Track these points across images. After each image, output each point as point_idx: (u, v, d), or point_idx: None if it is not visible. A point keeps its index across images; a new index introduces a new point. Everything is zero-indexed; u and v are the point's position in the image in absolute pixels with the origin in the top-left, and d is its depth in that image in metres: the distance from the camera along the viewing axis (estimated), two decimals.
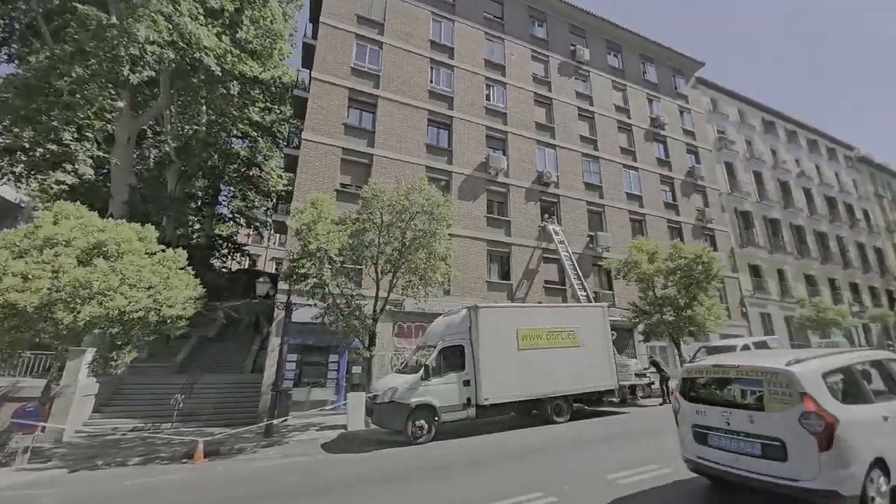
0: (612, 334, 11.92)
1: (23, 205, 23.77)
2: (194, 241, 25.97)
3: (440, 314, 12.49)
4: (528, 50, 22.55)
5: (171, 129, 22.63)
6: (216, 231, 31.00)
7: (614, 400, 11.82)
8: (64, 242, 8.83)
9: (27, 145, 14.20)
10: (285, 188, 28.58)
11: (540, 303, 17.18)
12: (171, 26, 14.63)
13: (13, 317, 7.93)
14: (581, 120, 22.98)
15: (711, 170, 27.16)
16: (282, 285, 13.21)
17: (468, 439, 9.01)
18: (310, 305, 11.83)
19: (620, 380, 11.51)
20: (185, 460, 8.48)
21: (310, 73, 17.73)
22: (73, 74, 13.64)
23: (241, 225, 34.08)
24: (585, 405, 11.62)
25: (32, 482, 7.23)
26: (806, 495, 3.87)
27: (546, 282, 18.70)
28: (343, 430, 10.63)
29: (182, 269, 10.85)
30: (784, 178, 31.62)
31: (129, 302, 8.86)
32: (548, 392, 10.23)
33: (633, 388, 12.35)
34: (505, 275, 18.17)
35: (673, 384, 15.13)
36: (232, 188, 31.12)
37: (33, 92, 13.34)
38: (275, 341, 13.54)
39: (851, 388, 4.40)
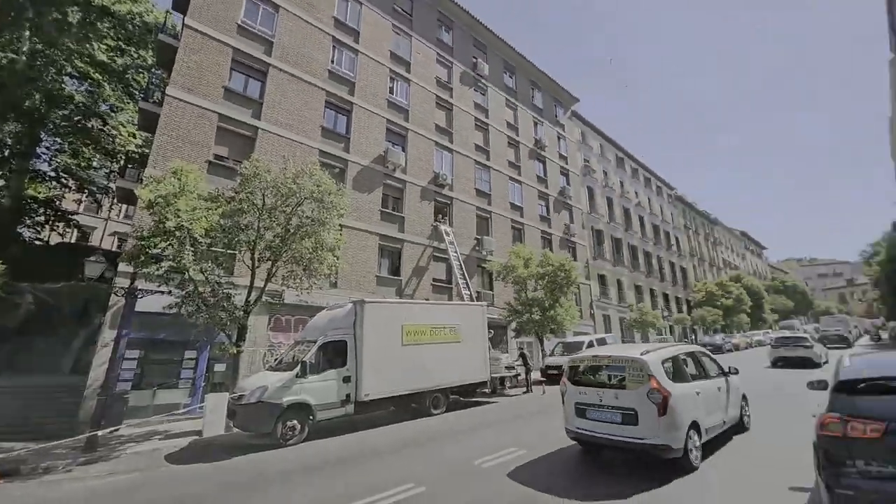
0: (490, 331, 13.00)
1: None
2: None
3: (324, 308, 11.90)
4: (433, 52, 23.02)
5: None
6: (29, 191, 23.96)
7: (486, 391, 12.90)
8: None
9: None
10: (138, 150, 23.61)
11: (427, 300, 17.72)
12: None
13: None
14: (477, 130, 24.44)
15: (578, 191, 31.70)
16: (124, 267, 10.92)
17: (345, 437, 8.79)
18: (162, 293, 10.03)
19: (493, 372, 12.63)
20: None
21: (183, 20, 15.02)
22: None
23: (70, 188, 26.89)
24: (461, 397, 12.40)
25: None
26: (651, 450, 5.23)
27: (434, 280, 19.38)
28: (197, 437, 9.31)
29: None
30: (627, 206, 38.69)
31: None
32: (429, 386, 10.63)
33: (502, 380, 13.65)
34: (395, 270, 18.24)
35: (534, 375, 17.29)
36: (59, 140, 24.36)
37: None
38: (109, 335, 11.13)
39: (678, 371, 5.96)
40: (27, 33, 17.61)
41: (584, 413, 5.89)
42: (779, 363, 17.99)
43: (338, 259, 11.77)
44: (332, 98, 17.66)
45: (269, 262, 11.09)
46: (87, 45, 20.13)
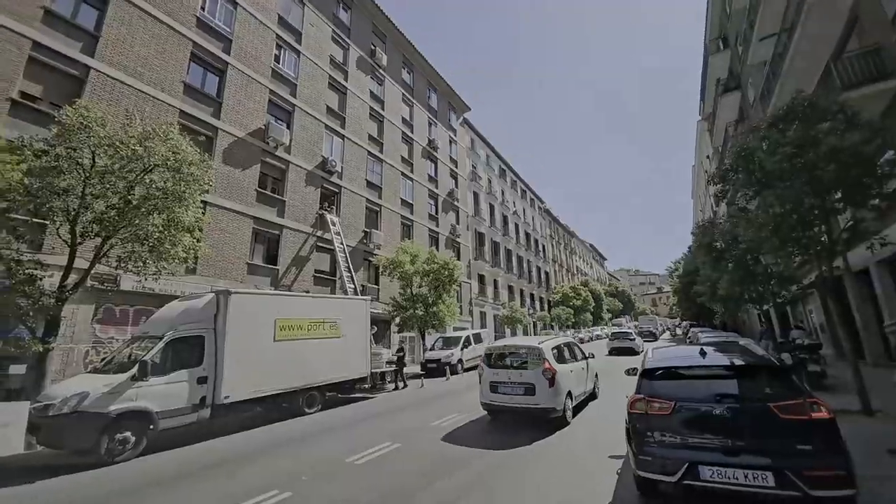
0: (374, 327, 12.79)
1: None
2: None
3: (177, 297, 10.09)
4: (329, 28, 21.60)
5: None
6: None
7: (366, 386, 12.66)
8: None
9: None
10: None
11: (307, 292, 16.54)
12: None
13: None
14: (371, 120, 23.82)
15: (465, 195, 33.57)
16: None
17: (194, 446, 7.58)
18: None
19: (373, 368, 12.45)
20: None
21: None
22: None
23: None
24: (339, 393, 11.92)
25: None
26: (542, 413, 7.34)
27: (317, 271, 18.21)
28: None
29: None
30: (506, 213, 42.56)
31: None
32: (302, 384, 9.90)
33: (383, 375, 13.56)
34: (272, 259, 16.55)
35: (414, 369, 17.67)
36: None
37: None
38: None
39: (560, 355, 8.10)
40: None
41: (496, 389, 7.78)
42: (613, 351, 22.56)
43: (198, 241, 10.09)
44: (199, 51, 15.05)
45: (99, 239, 8.89)
46: None
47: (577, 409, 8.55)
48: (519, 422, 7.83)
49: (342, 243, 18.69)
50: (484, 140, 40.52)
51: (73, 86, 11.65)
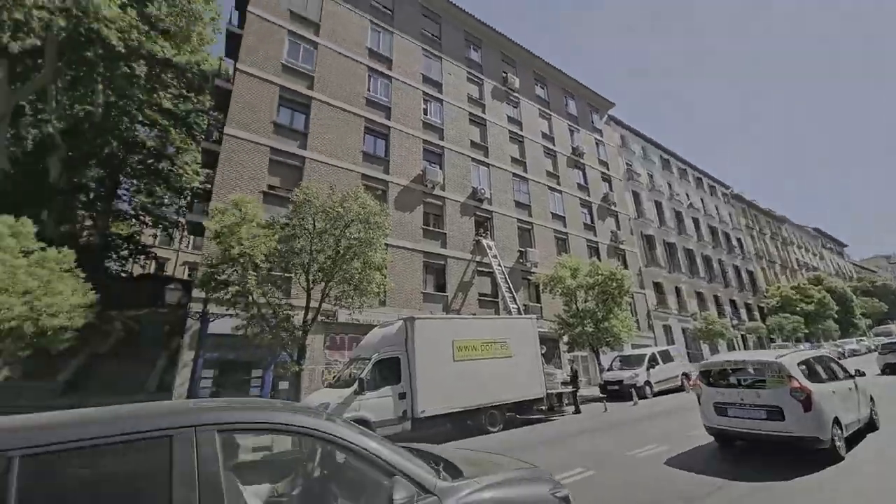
0: (542, 346, 12.64)
1: None
2: (84, 240, 22.33)
3: (375, 325, 12.20)
4: (463, 71, 23.54)
5: (57, 108, 19.35)
6: (113, 229, 26.92)
7: (543, 408, 12.47)
8: None
9: None
10: (202, 186, 25.99)
11: (474, 314, 17.65)
12: None
13: None
14: (512, 142, 24.46)
15: (622, 197, 30.57)
16: (197, 293, 11.88)
17: None
18: (230, 315, 10.79)
19: (548, 388, 12.21)
20: None
21: (234, 64, 16.53)
22: None
23: (147, 224, 29.99)
24: (517, 414, 12.07)
25: None
26: (798, 441, 5.82)
27: (480, 294, 19.30)
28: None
29: (68, 271, 9.22)
30: (678, 209, 36.67)
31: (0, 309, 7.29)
32: (483, 402, 10.46)
33: (559, 396, 13.11)
34: (440, 287, 18.39)
35: (592, 391, 16.48)
36: (135, 181, 27.38)
37: None
38: (187, 355, 12.08)
39: (812, 372, 6.45)
40: (100, 87, 20.04)
41: (724, 411, 6.51)
42: (887, 369, 16.29)
43: (385, 277, 12.11)
44: (370, 124, 18.49)
45: (323, 283, 11.62)
46: (155, 95, 22.64)
47: (851, 442, 6.61)
48: (759, 452, 6.47)
49: (500, 265, 19.36)
50: (636, 133, 36.46)
51: (296, 173, 15.84)
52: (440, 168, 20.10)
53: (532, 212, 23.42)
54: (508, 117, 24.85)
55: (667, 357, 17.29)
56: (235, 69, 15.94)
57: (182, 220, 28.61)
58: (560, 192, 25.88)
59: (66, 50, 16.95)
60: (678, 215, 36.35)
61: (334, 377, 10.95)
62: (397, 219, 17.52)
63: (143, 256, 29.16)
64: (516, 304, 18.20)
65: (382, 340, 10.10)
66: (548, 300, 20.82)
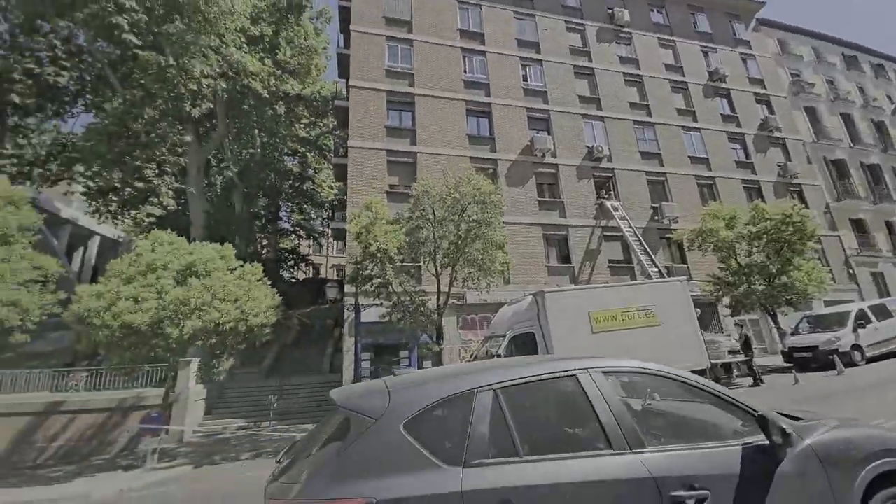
0: (698, 311, 11.00)
1: (120, 239, 27.04)
2: (264, 255, 27.95)
3: (503, 304, 12.32)
4: (561, 22, 21.47)
5: (232, 156, 24.51)
6: (281, 245, 33.13)
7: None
8: (162, 266, 9.89)
9: (118, 185, 16.10)
10: (337, 197, 30.03)
11: (607, 283, 16.37)
12: (220, 59, 15.75)
13: (131, 335, 9.02)
14: (629, 86, 21.49)
15: (789, 118, 24.18)
16: (348, 288, 13.78)
17: None
18: (376, 305, 12.23)
19: (712, 358, 10.61)
20: None
21: (347, 83, 18.28)
22: (146, 116, 15.21)
23: (302, 237, 36.18)
24: None
25: (163, 480, 8.18)
26: None
27: (610, 261, 17.78)
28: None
29: (259, 280, 11.68)
30: (878, 118, 27.36)
31: (221, 314, 9.72)
32: None
33: (727, 367, 11.26)
34: (564, 258, 17.53)
35: (770, 360, 13.71)
36: (290, 204, 33.11)
37: (114, 137, 15.11)
38: (348, 342, 14.20)
39: None
40: (256, 132, 24.49)
41: None
42: None
43: (507, 255, 12.09)
44: (471, 105, 18.44)
45: (449, 268, 12.23)
46: (293, 128, 26.68)
47: None
48: None
49: (630, 226, 17.43)
50: (802, 32, 28.14)
51: (411, 169, 16.85)
52: (548, 134, 18.94)
53: (663, 160, 20.33)
54: (620, 58, 21.86)
55: (882, 312, 13.16)
56: (348, 86, 17.68)
57: (327, 230, 33.52)
58: (698, 130, 21.81)
59: (229, 108, 21.23)
60: (880, 126, 27.10)
61: (471, 355, 11.48)
62: (510, 195, 17.23)
63: (303, 263, 35.22)
64: (656, 267, 16.20)
65: (514, 317, 10.12)
66: (696, 259, 17.95)
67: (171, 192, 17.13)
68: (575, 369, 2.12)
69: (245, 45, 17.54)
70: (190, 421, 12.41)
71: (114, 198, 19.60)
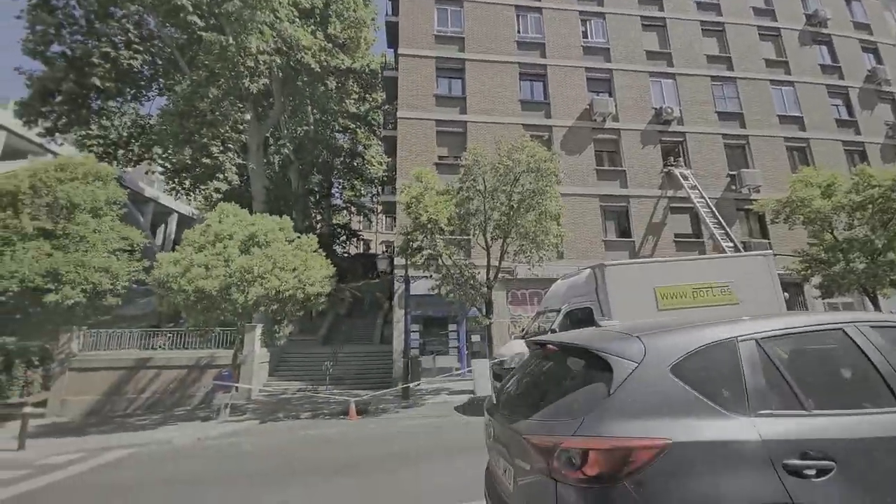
0: (786, 295, 9.74)
1: (194, 216, 29.50)
2: (318, 230, 29.13)
3: (555, 279, 11.74)
4: None
5: (287, 133, 25.35)
6: (334, 220, 34.32)
7: None
8: (228, 236, 10.48)
9: (188, 162, 17.30)
10: (385, 174, 30.47)
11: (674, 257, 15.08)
12: (274, 34, 16.00)
13: (203, 300, 9.75)
14: (706, 36, 18.97)
15: None
16: (398, 261, 13.88)
17: None
18: (426, 277, 12.19)
19: None
20: (342, 416, 9.61)
21: (395, 52, 17.85)
22: (210, 95, 15.97)
23: (353, 213, 37.25)
24: None
25: (234, 432, 8.90)
26: None
27: (676, 235, 16.30)
28: (472, 395, 10.86)
29: (315, 251, 12.06)
30: None
31: (281, 282, 10.18)
32: None
33: None
34: (624, 232, 16.34)
35: None
36: (342, 181, 34.00)
37: (184, 116, 16.10)
38: (398, 314, 14.43)
39: None
40: (309, 108, 24.96)
41: None
42: None
43: (561, 227, 11.40)
44: (524, 69, 17.30)
45: (500, 240, 11.81)
46: (343, 104, 26.89)
47: None
48: None
49: (702, 197, 15.74)
50: None
51: (460, 139, 16.30)
52: (609, 95, 17.35)
53: (745, 120, 17.95)
54: (697, 4, 19.26)
55: None
56: (396, 56, 17.26)
57: (377, 206, 34.15)
58: (791, 84, 18.94)
59: (284, 85, 21.74)
60: None
61: (522, 330, 11.12)
62: (566, 164, 16.13)
63: (355, 238, 36.37)
64: (731, 241, 14.58)
65: (570, 290, 9.58)
66: (780, 233, 15.92)
67: (234, 168, 18.11)
68: (840, 322, 2.07)
69: (297, 20, 17.64)
70: (256, 381, 13.42)
71: (186, 175, 21.09)
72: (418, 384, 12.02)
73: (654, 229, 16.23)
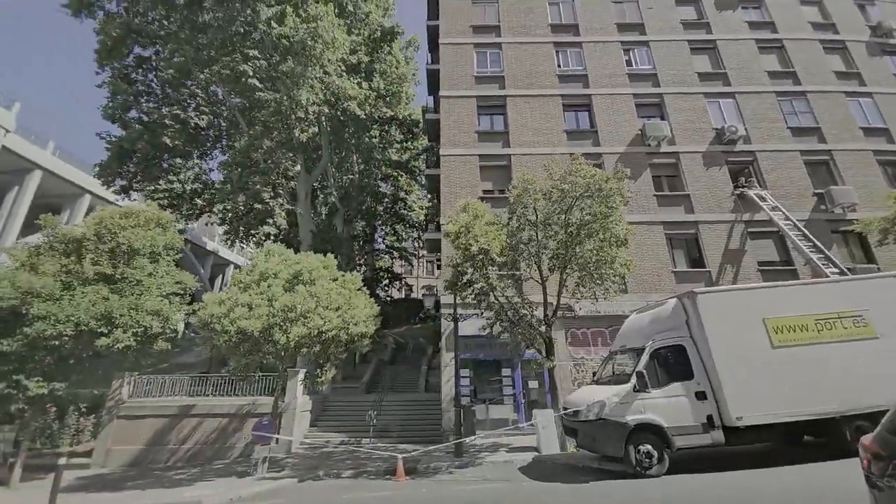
0: None
1: (248, 264, 30.65)
2: (363, 274, 29.11)
3: (622, 316, 10.28)
4: None
5: (334, 182, 26.36)
6: (377, 265, 34.43)
7: None
8: (273, 275, 10.18)
9: (242, 209, 18.07)
10: (427, 217, 30.81)
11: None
12: (323, 86, 16.94)
13: (245, 341, 9.27)
14: (764, 53, 17.86)
15: None
16: (444, 299, 12.98)
17: (716, 475, 6.53)
18: (476, 315, 11.16)
19: None
20: (388, 476, 8.34)
21: (435, 98, 18.22)
22: (264, 147, 16.84)
23: (395, 258, 37.38)
24: None
25: (269, 492, 7.91)
26: None
27: (761, 263, 14.24)
28: (536, 454, 9.24)
29: (359, 289, 11.49)
30: None
31: (325, 321, 9.55)
32: (834, 408, 6.90)
33: None
34: (696, 261, 14.54)
35: None
36: (384, 227, 34.58)
37: (241, 167, 17.04)
38: (446, 357, 13.25)
39: None
40: (354, 157, 25.99)
41: None
42: None
43: (628, 259, 10.11)
44: (568, 100, 16.92)
45: (558, 272, 10.68)
46: (386, 153, 27.82)
47: None
48: None
49: (787, 219, 13.81)
50: None
51: (504, 172, 15.79)
52: (662, 119, 16.39)
53: (824, 135, 16.14)
54: (750, 24, 18.42)
55: None
56: (436, 101, 17.60)
57: (418, 250, 34.11)
58: (868, 94, 17.07)
59: (332, 136, 22.84)
60: None
61: (594, 374, 9.57)
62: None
63: (397, 281, 36.09)
64: (836, 267, 12.38)
65: (653, 325, 8.10)
66: (890, 255, 13.47)
67: (283, 213, 18.66)
68: None
69: (344, 74, 18.71)
70: (297, 431, 12.51)
71: (239, 223, 22.01)
72: (473, 439, 10.54)
73: (732, 257, 14.31)
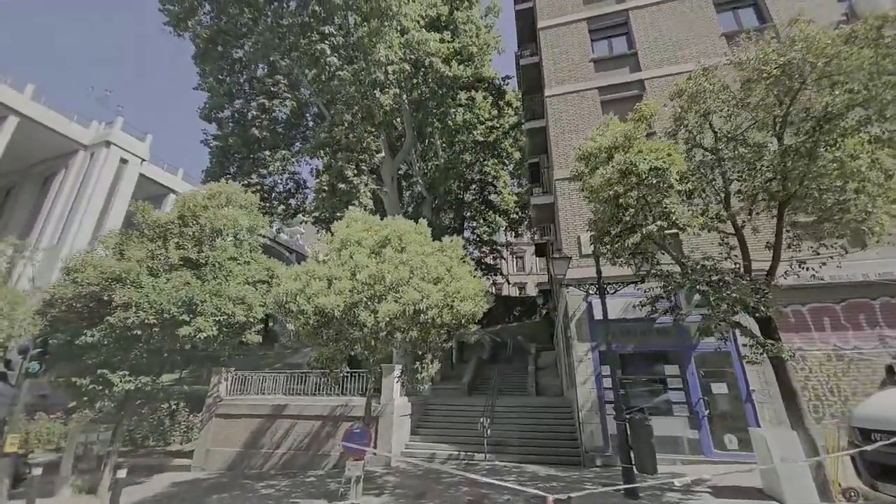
0: None
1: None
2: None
3: (861, 284, 5.89)
4: None
5: (419, 170, 24.61)
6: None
7: None
8: (357, 242, 8.01)
9: (326, 188, 16.99)
10: (516, 205, 27.91)
11: None
12: (403, 43, 15.00)
13: (325, 324, 7.15)
14: None
15: None
16: (572, 273, 9.61)
17: None
18: (635, 282, 7.62)
19: None
20: None
21: (518, 52, 14.93)
22: (345, 122, 15.42)
23: (486, 253, 34.58)
24: None
25: None
26: None
27: None
28: (768, 499, 5.38)
29: (462, 259, 8.80)
30: None
31: (422, 296, 6.98)
32: None
33: None
34: None
35: None
36: (474, 219, 32.15)
37: (325, 146, 16.00)
38: (579, 348, 9.79)
39: None
40: (439, 141, 23.85)
41: None
42: None
43: None
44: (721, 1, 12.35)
45: (770, 208, 6.67)
46: (471, 133, 25.18)
47: None
48: None
49: None
50: None
51: (635, 103, 11.80)
52: None
53: None
54: None
55: None
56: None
57: (507, 243, 30.75)
58: None
59: (414, 110, 20.86)
60: None
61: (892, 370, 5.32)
62: None
63: (491, 274, 33.16)
64: None
65: None
66: None
67: (368, 193, 17.19)
68: None
69: (424, 30, 16.64)
70: (396, 440, 10.19)
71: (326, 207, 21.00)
72: (671, 481, 6.90)
73: None
